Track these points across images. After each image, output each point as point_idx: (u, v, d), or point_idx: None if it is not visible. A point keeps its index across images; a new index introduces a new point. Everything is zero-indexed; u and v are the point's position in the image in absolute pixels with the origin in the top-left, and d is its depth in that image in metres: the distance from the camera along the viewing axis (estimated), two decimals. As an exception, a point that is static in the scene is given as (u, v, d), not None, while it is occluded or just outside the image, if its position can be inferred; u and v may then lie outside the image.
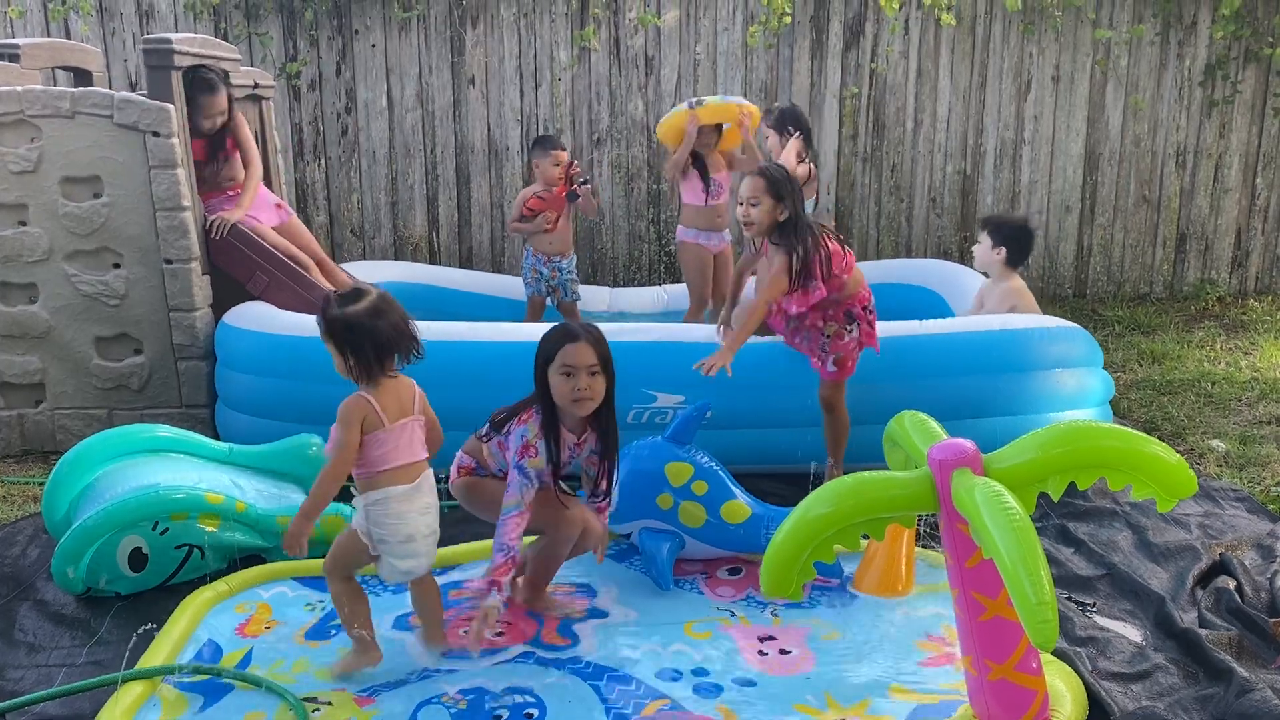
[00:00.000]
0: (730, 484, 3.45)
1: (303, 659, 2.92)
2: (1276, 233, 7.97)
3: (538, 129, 7.41)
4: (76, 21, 7.13)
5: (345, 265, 5.64)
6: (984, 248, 4.69)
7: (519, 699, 2.71)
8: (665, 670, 2.85)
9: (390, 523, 2.77)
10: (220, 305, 4.81)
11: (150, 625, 3.01)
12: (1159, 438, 2.98)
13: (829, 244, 3.89)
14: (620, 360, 3.95)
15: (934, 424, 2.63)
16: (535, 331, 4.47)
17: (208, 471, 3.59)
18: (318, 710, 2.67)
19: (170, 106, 4.57)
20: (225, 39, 6.95)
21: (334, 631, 3.06)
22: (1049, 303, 7.50)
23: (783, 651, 2.96)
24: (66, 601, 3.25)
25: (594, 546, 3.25)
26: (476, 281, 6.48)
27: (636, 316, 6.09)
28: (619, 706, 2.67)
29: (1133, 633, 3.03)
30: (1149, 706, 2.61)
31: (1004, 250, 4.63)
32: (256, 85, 5.58)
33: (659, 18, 7.33)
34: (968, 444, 2.38)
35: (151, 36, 4.74)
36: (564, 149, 5.90)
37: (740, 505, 3.40)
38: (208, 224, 4.78)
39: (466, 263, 7.58)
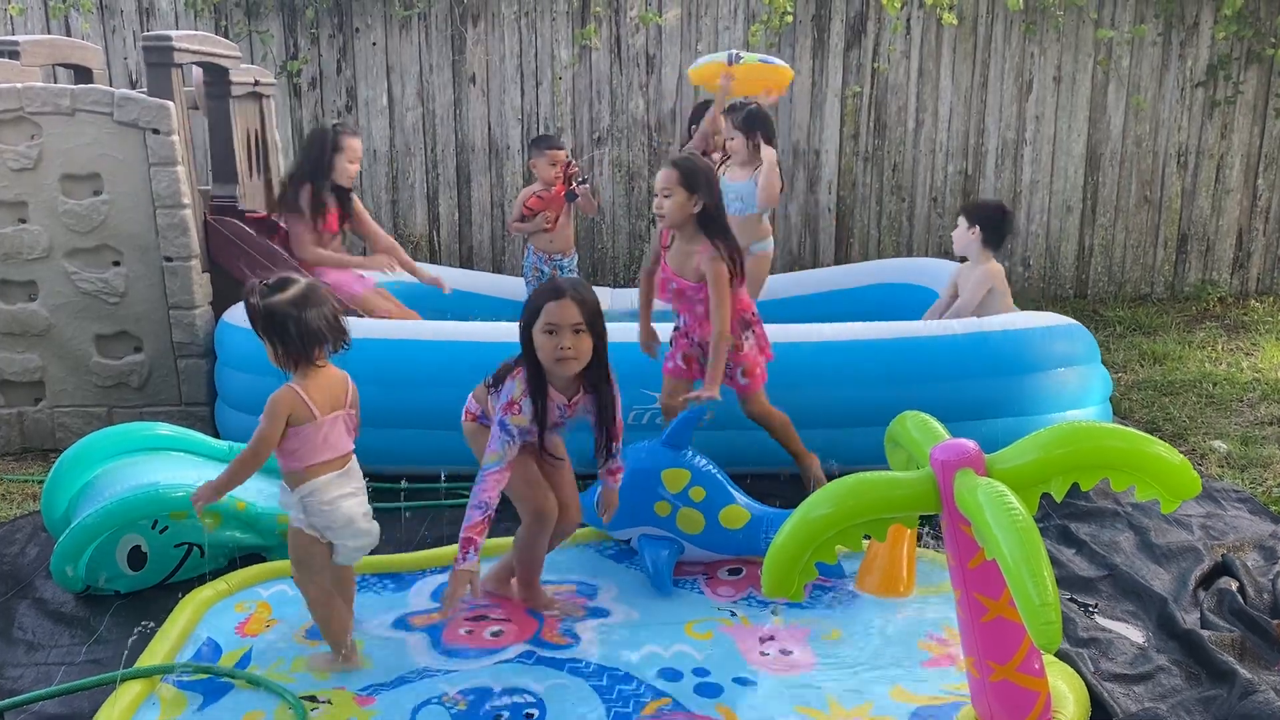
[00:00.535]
0: (729, 488, 3.43)
1: (302, 658, 2.91)
2: (1278, 234, 7.96)
3: (538, 128, 7.40)
4: (77, 19, 7.12)
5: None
6: (960, 230, 4.75)
7: (519, 699, 2.71)
8: (666, 670, 2.84)
9: (326, 510, 2.77)
10: (220, 302, 4.80)
11: (149, 624, 3.00)
12: (1160, 438, 2.97)
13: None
14: (620, 361, 3.94)
15: (936, 424, 2.62)
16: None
17: (207, 470, 3.58)
18: (317, 709, 2.66)
19: (170, 104, 4.56)
20: (226, 36, 6.94)
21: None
22: (1050, 303, 7.50)
23: (784, 652, 2.95)
24: (65, 600, 3.24)
25: (569, 528, 3.24)
26: (477, 281, 6.47)
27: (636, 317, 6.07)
28: (620, 706, 2.67)
29: (1135, 634, 3.02)
30: (1151, 708, 2.60)
31: (979, 230, 4.67)
32: (257, 83, 5.57)
33: (660, 16, 7.32)
34: (970, 444, 2.37)
35: (151, 34, 4.73)
36: (562, 148, 5.88)
37: (739, 510, 3.39)
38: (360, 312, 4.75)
39: (467, 262, 7.57)
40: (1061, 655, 2.79)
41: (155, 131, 4.54)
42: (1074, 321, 4.45)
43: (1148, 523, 3.72)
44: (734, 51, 5.64)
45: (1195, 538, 3.60)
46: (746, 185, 5.17)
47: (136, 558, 3.25)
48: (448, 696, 2.71)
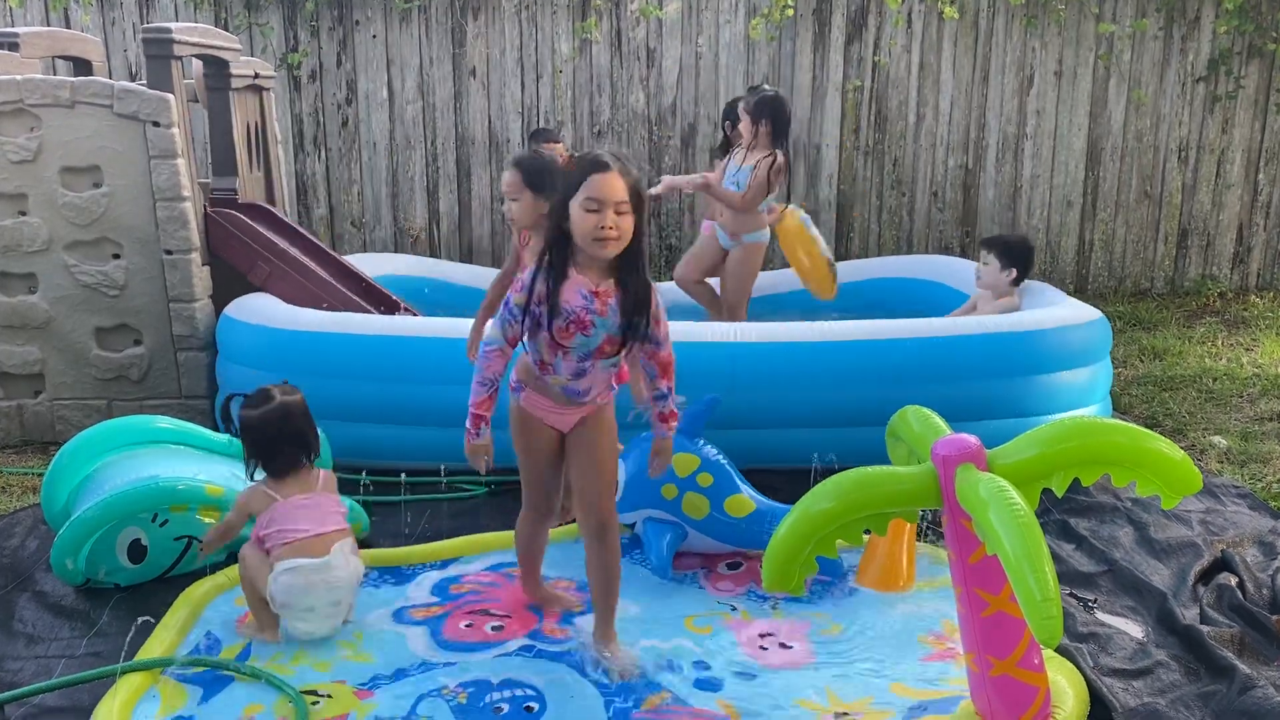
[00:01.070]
0: (736, 478, 3.44)
1: (301, 652, 2.91)
2: (1278, 229, 7.96)
3: (538, 121, 7.40)
4: (77, 11, 7.11)
5: (345, 257, 5.62)
6: (993, 269, 4.73)
7: (519, 692, 2.71)
8: (666, 664, 2.84)
9: (295, 593, 2.88)
10: (221, 296, 4.79)
11: (149, 617, 3.00)
12: (1160, 434, 2.97)
13: None
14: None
15: (937, 419, 2.62)
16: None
17: (208, 463, 3.58)
18: (317, 703, 2.66)
19: (170, 96, 4.55)
20: (225, 29, 6.93)
21: (334, 624, 3.05)
22: (1050, 298, 7.49)
23: (783, 646, 2.95)
24: (65, 593, 3.24)
25: (597, 528, 2.87)
26: (477, 276, 6.46)
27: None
28: (619, 700, 2.67)
29: (1134, 629, 3.02)
30: (1151, 703, 2.60)
31: (1014, 272, 4.74)
32: (257, 76, 5.56)
33: (660, 10, 7.30)
34: (971, 439, 2.37)
35: (151, 26, 4.72)
36: (559, 142, 5.88)
37: (744, 500, 3.39)
38: None
39: (467, 256, 7.57)
40: (1061, 650, 2.79)
41: (155, 124, 4.54)
42: (1098, 313, 4.48)
43: (1147, 518, 3.72)
44: (806, 214, 5.42)
45: (1195, 533, 3.61)
46: (744, 170, 5.14)
47: (136, 551, 3.25)
48: (448, 689, 2.72)
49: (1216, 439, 4.66)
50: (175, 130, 4.56)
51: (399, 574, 3.40)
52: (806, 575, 2.36)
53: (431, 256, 7.32)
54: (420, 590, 3.29)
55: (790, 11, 7.26)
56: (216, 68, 5.21)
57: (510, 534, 3.55)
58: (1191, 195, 7.85)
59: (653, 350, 2.77)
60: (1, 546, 3.58)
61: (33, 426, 4.78)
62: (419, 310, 5.10)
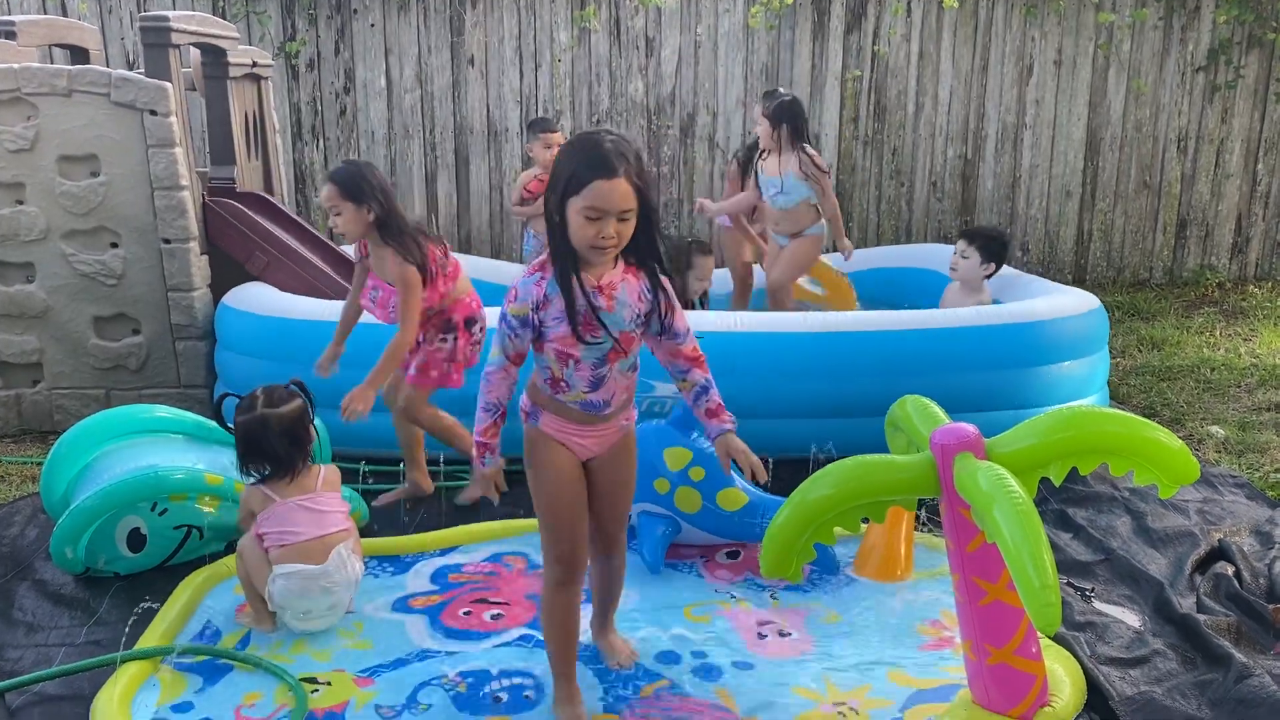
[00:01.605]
0: (730, 471, 3.43)
1: (301, 640, 2.92)
2: (1277, 219, 7.96)
3: (537, 110, 7.38)
4: (73, -1, 7.09)
5: (344, 247, 5.60)
6: (973, 263, 4.74)
7: (518, 681, 2.72)
8: (664, 652, 2.85)
9: (292, 597, 2.90)
10: (219, 285, 4.79)
11: (149, 604, 3.01)
12: (1158, 424, 2.99)
13: (430, 248, 3.64)
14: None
15: (936, 408, 2.62)
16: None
17: (206, 452, 3.59)
18: (316, 691, 2.67)
19: (168, 85, 4.54)
20: (223, 17, 6.90)
21: (333, 613, 3.06)
22: (1049, 288, 7.49)
23: (781, 634, 2.96)
24: (65, 581, 3.25)
25: (619, 570, 2.75)
26: (477, 266, 6.44)
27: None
28: (617, 688, 2.68)
29: (1131, 618, 3.03)
30: (1147, 692, 2.61)
31: (992, 266, 4.78)
32: (255, 64, 5.54)
33: (660, -2, 7.29)
34: (970, 428, 2.37)
35: (149, 14, 4.70)
36: (558, 131, 5.87)
37: (737, 493, 3.39)
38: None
39: (466, 245, 7.55)
40: (1058, 639, 2.80)
41: (153, 113, 4.52)
42: (1097, 302, 4.49)
43: (1145, 508, 3.73)
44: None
45: (1192, 523, 3.61)
46: (783, 179, 5.32)
47: (136, 540, 3.26)
48: (447, 678, 2.72)
49: (1214, 429, 4.67)
50: (173, 119, 4.55)
51: (398, 563, 3.40)
52: (805, 563, 2.37)
53: (430, 246, 7.31)
54: (419, 579, 3.30)
55: (789, 0, 7.23)
56: (214, 56, 5.20)
57: (508, 524, 3.59)
58: (1190, 185, 7.84)
59: (673, 346, 2.52)
60: (1, 535, 3.58)
61: (31, 416, 4.78)
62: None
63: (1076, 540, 3.55)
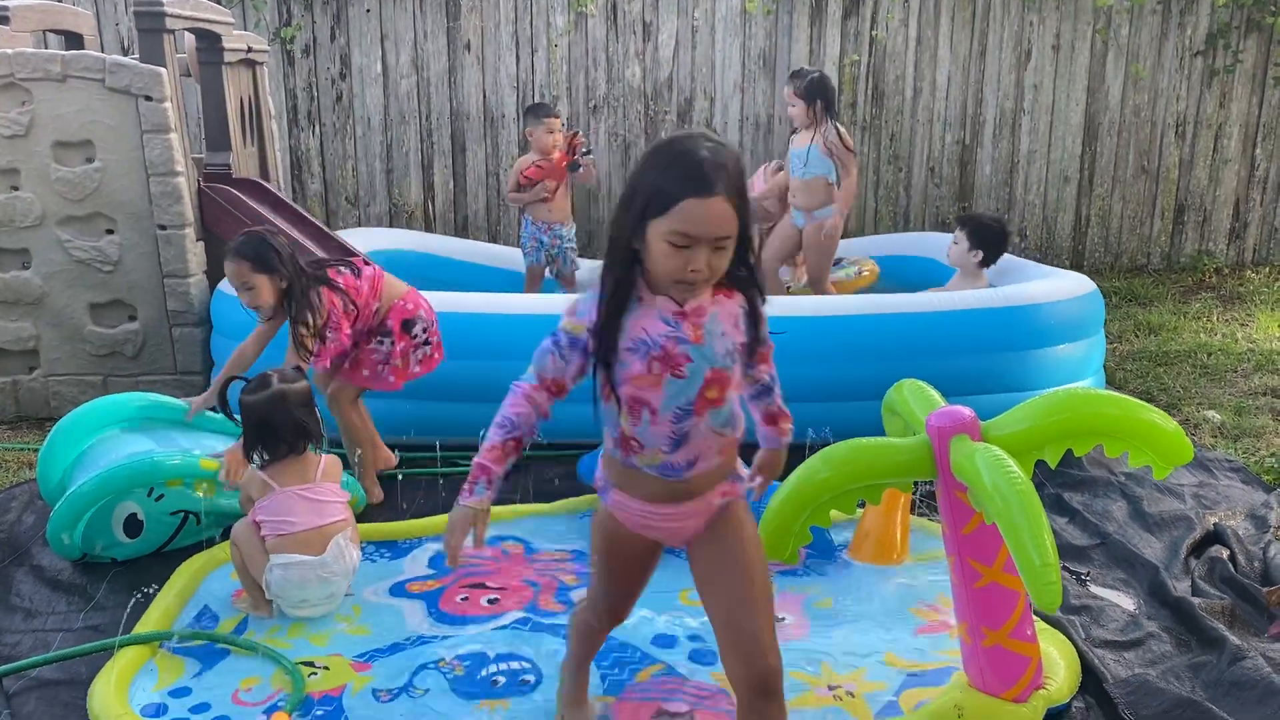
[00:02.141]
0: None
1: (298, 625, 2.92)
2: (1275, 204, 7.95)
3: (534, 96, 7.35)
4: (67, -16, 7.05)
5: (340, 233, 5.60)
6: (961, 249, 4.74)
7: (515, 665, 2.72)
8: (660, 636, 2.86)
9: (290, 587, 2.91)
10: (215, 271, 4.78)
11: (147, 589, 3.02)
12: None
13: (338, 288, 3.55)
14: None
15: (932, 391, 2.62)
16: (536, 303, 4.50)
17: (203, 439, 3.59)
18: (314, 675, 2.67)
19: (162, 70, 4.52)
20: (218, 2, 6.86)
21: (330, 597, 3.06)
22: (1046, 273, 7.49)
23: (778, 619, 2.96)
24: (63, 567, 3.25)
25: (769, 685, 1.99)
26: (474, 251, 6.45)
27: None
28: (614, 672, 2.68)
29: (1126, 601, 3.04)
30: (1142, 674, 2.62)
31: (981, 254, 4.73)
32: (250, 50, 5.52)
33: (657, -17, 7.25)
34: (966, 411, 2.37)
35: (143, -1, 4.68)
36: (558, 116, 5.85)
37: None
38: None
39: (463, 231, 7.54)
40: (1053, 622, 2.81)
41: (148, 98, 4.51)
42: (1092, 285, 4.50)
43: (1140, 492, 3.74)
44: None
45: (1187, 507, 3.62)
46: (808, 150, 5.37)
47: (133, 525, 3.26)
48: (444, 662, 2.73)
49: (1210, 413, 4.67)
50: (168, 105, 4.54)
51: (395, 548, 3.41)
52: (801, 545, 2.37)
53: (427, 231, 7.30)
54: (416, 564, 3.30)
55: (787, -15, 7.21)
56: (209, 41, 5.17)
57: (506, 509, 3.59)
58: (1188, 170, 7.83)
59: (752, 375, 2.15)
60: (-2, 521, 3.59)
61: (27, 402, 4.78)
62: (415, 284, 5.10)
63: (1072, 524, 3.56)
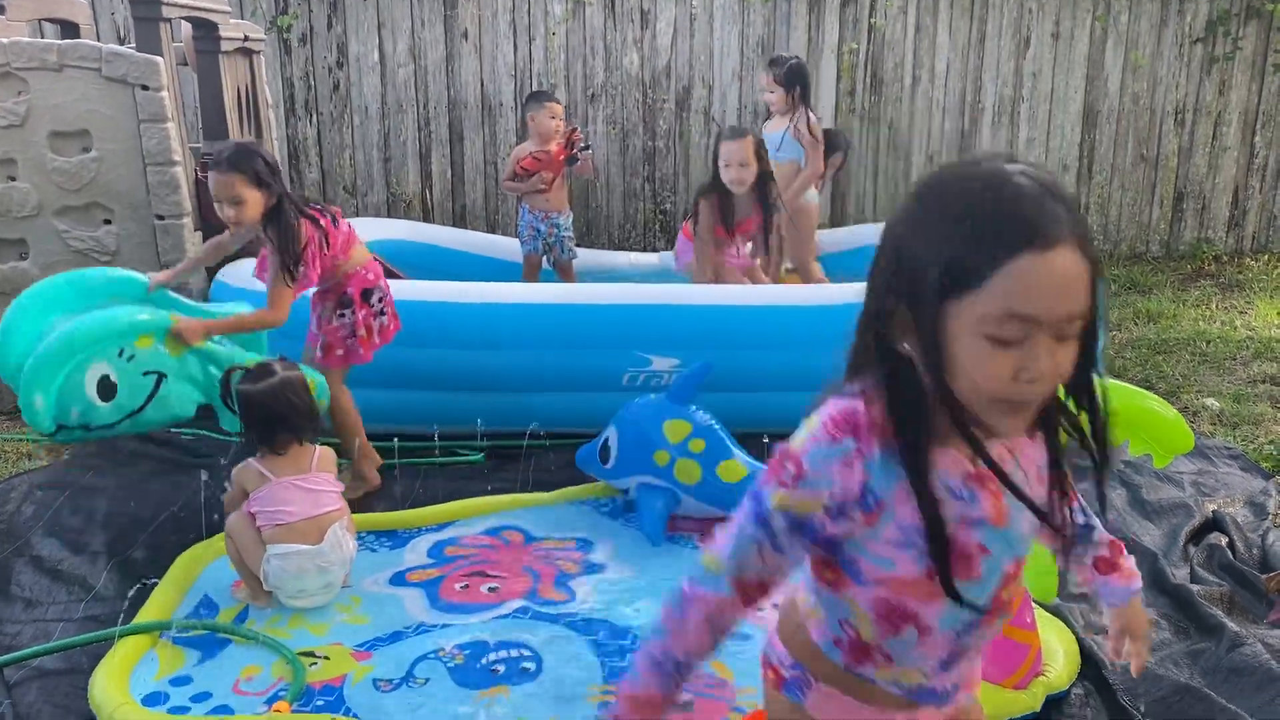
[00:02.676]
0: (729, 443, 3.44)
1: (298, 615, 2.93)
2: (1274, 191, 7.95)
3: (531, 84, 7.33)
4: (62, -27, 7.01)
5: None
6: None
7: (516, 653, 2.73)
8: (661, 625, 2.86)
9: (288, 577, 2.90)
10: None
11: (147, 579, 3.02)
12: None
13: (318, 224, 3.47)
14: (613, 323, 3.88)
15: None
16: (533, 293, 4.50)
17: (172, 308, 3.52)
18: (314, 664, 2.68)
19: (159, 59, 4.50)
20: (214, -9, 6.84)
21: (330, 587, 3.07)
22: (1045, 261, 7.48)
23: (777, 606, 2.96)
24: (63, 557, 3.25)
25: None
26: (472, 242, 6.43)
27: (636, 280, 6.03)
28: (615, 660, 2.69)
29: (1125, 588, 3.04)
30: (1141, 661, 2.63)
31: None
32: (246, 39, 5.50)
33: (655, -29, 7.22)
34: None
35: (139, -13, 4.66)
36: (559, 102, 5.84)
37: (737, 464, 3.40)
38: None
39: (461, 220, 7.53)
40: (1052, 610, 2.81)
41: (144, 88, 4.49)
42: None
43: (1139, 479, 3.74)
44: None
45: (1186, 494, 3.63)
46: (782, 135, 5.42)
47: (106, 387, 3.18)
48: (444, 651, 2.74)
49: (1209, 401, 4.68)
50: (165, 94, 4.52)
51: (395, 537, 3.41)
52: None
53: (425, 221, 7.29)
54: (416, 553, 3.31)
55: (785, -28, 7.19)
56: (205, 30, 5.15)
57: (505, 498, 3.60)
58: (1188, 158, 7.82)
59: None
60: (-2, 512, 3.59)
61: (26, 393, 4.77)
62: (405, 274, 5.09)
63: (1071, 512, 3.56)
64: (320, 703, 2.52)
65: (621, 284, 4.99)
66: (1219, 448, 4.07)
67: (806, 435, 1.26)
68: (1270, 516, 3.44)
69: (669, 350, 4.08)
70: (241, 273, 4.56)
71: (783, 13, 7.37)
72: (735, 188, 4.80)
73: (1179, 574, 3.06)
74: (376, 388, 4.12)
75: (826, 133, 6.13)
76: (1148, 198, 7.88)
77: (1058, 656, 2.57)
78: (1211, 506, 3.51)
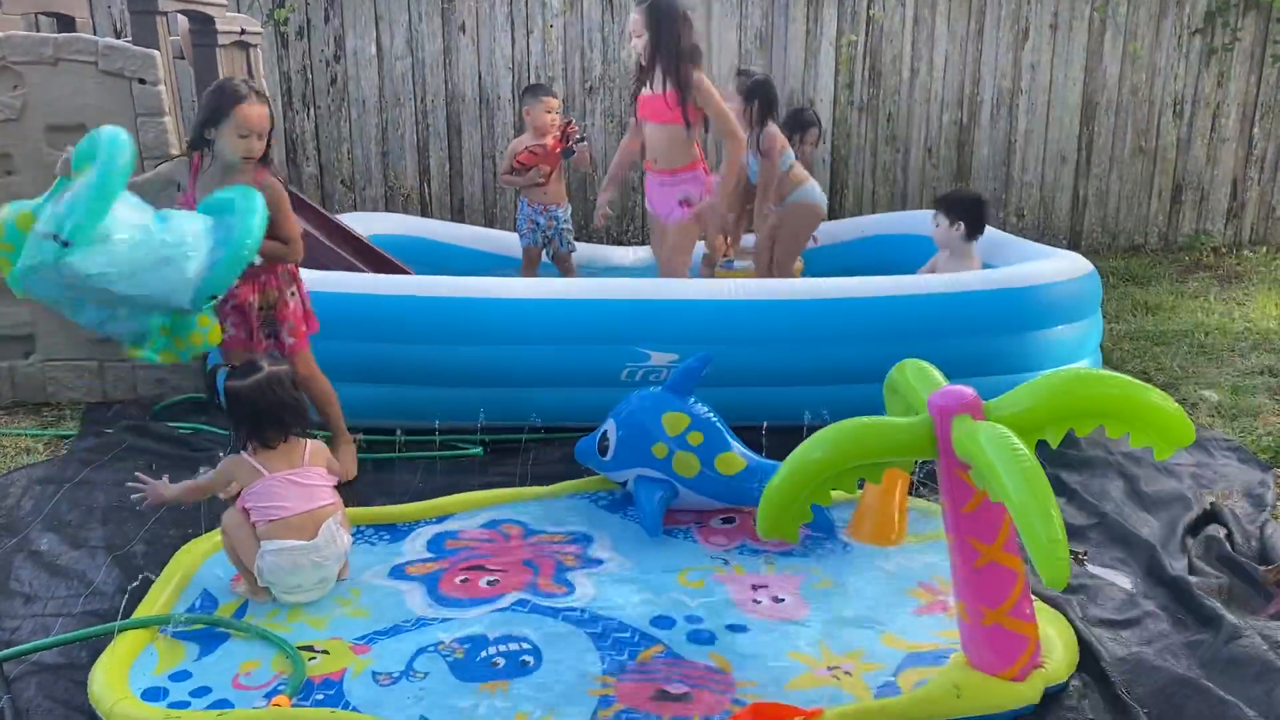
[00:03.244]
0: (727, 436, 3.45)
1: (298, 609, 2.93)
2: (1272, 183, 7.94)
3: (529, 77, 7.32)
4: (58, -34, 6.99)
5: (337, 217, 5.58)
6: (942, 228, 4.68)
7: (515, 646, 2.73)
8: (659, 618, 2.86)
9: (282, 573, 2.90)
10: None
11: (147, 575, 3.02)
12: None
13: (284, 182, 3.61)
14: (613, 318, 3.90)
15: (935, 372, 2.62)
16: (532, 287, 4.49)
17: None
18: (314, 659, 2.68)
19: (156, 53, 4.49)
20: (211, -16, 6.82)
21: (330, 581, 3.07)
22: (1044, 254, 7.48)
23: (776, 600, 2.98)
24: (62, 552, 3.25)
25: None
26: (470, 236, 6.42)
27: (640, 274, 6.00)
28: (613, 654, 2.69)
29: (1123, 580, 3.05)
30: (1138, 652, 2.64)
31: (961, 225, 4.61)
32: (243, 32, 5.49)
33: (652, -37, 7.20)
34: (968, 391, 2.38)
35: (135, -19, 4.65)
36: (555, 96, 5.83)
37: (735, 457, 3.40)
38: None
39: (459, 214, 7.52)
40: (1050, 601, 2.82)
41: (141, 81, 4.48)
42: (1089, 266, 4.50)
43: (1138, 471, 3.75)
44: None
45: (1185, 486, 3.63)
46: (747, 158, 5.33)
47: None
48: (444, 644, 2.74)
49: (1207, 393, 4.68)
50: (162, 88, 4.51)
51: (395, 531, 3.41)
52: (801, 523, 2.37)
53: (424, 215, 7.28)
54: (416, 547, 3.31)
55: (783, -36, 7.17)
56: (202, 24, 5.15)
57: (504, 491, 3.60)
58: (1186, 150, 7.82)
59: None
60: (-4, 507, 3.59)
61: (24, 388, 4.77)
62: (411, 269, 5.08)
63: (1070, 504, 3.57)
64: (320, 697, 2.52)
65: (621, 279, 4.98)
66: (1217, 439, 4.07)
67: None
68: (1268, 508, 3.44)
69: (668, 345, 4.08)
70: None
71: (781, 4, 7.35)
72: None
73: (1177, 566, 3.07)
74: (377, 383, 4.13)
75: (796, 111, 6.15)
76: (1146, 189, 7.88)
77: (1056, 647, 2.58)
78: (1210, 498, 3.52)
